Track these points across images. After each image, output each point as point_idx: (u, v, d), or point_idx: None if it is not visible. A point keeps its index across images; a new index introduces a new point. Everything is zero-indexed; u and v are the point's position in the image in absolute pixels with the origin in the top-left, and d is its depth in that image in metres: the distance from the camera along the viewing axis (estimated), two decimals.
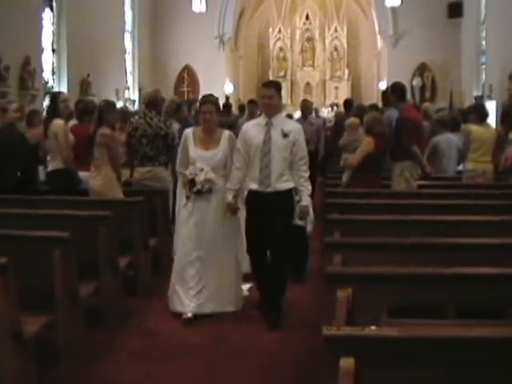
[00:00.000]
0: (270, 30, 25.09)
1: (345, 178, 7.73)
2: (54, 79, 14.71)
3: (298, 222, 6.25)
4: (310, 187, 5.91)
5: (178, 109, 8.79)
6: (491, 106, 15.22)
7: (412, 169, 7.46)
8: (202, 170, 5.91)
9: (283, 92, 24.61)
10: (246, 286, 6.50)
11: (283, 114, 6.31)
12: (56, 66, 14.74)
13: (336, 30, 24.78)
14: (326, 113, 20.86)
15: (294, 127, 5.94)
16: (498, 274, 3.54)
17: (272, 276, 5.95)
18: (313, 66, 25.23)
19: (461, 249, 4.37)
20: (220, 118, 6.68)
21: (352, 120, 9.19)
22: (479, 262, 4.06)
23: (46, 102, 13.66)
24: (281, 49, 25.23)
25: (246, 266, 6.29)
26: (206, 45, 20.74)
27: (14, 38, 11.88)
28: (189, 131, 6.24)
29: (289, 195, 5.88)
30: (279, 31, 25.10)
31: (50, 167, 7.34)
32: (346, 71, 24.75)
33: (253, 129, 5.94)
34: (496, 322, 3.40)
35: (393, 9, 19.76)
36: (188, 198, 6.03)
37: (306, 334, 5.42)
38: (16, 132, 7.22)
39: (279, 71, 25.22)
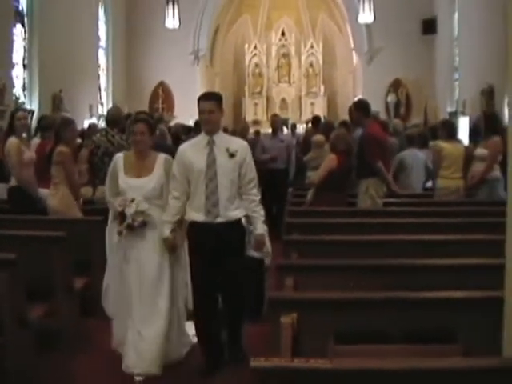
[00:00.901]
0: (246, 46, 25.04)
1: (309, 195, 7.68)
2: (25, 95, 14.54)
3: (253, 253, 5.84)
4: (263, 212, 5.26)
5: (123, 118, 8.72)
6: (464, 122, 15.32)
7: (377, 186, 7.43)
8: (132, 200, 5.06)
9: (259, 108, 25.21)
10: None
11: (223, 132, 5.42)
12: (27, 81, 14.58)
13: (312, 47, 24.76)
14: (302, 129, 20.84)
15: (240, 145, 5.23)
16: (446, 298, 3.47)
17: (226, 327, 5.34)
18: (289, 82, 25.20)
19: (418, 270, 4.31)
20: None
21: (318, 137, 9.19)
22: (437, 283, 4.01)
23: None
24: (256, 65, 25.18)
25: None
26: (181, 61, 20.68)
27: None
28: (119, 156, 5.42)
29: (240, 225, 5.24)
30: (255, 47, 25.04)
31: (10, 184, 7.26)
32: (322, 87, 24.73)
33: (192, 150, 5.18)
34: (445, 348, 3.33)
35: (367, 25, 19.83)
36: (120, 233, 5.17)
37: None
38: None
39: (255, 87, 25.17)
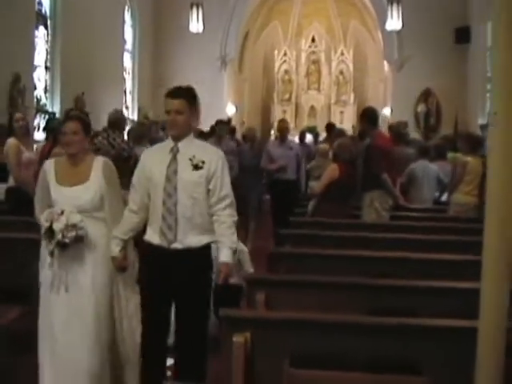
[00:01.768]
0: (276, 52, 24.88)
1: (310, 206, 7.49)
2: (46, 97, 14.57)
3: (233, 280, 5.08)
4: (234, 238, 4.30)
5: (148, 130, 8.67)
6: None
7: (382, 199, 7.18)
8: (61, 213, 4.24)
9: (288, 115, 24.90)
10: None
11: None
12: (49, 83, 14.61)
13: (342, 54, 24.51)
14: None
15: (211, 154, 4.32)
16: (413, 325, 3.24)
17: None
18: (318, 89, 24.96)
19: (397, 291, 4.08)
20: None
21: (322, 146, 9.02)
22: (416, 306, 3.80)
23: (38, 120, 13.65)
24: (286, 71, 24.99)
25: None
26: (208, 66, 20.57)
27: (4, 56, 11.75)
28: (49, 162, 4.65)
29: (204, 255, 4.31)
30: (285, 54, 24.87)
31: (8, 184, 7.29)
32: (352, 95, 24.45)
33: (154, 156, 4.41)
34: (409, 379, 3.09)
35: (398, 32, 19.48)
36: (51, 254, 4.32)
37: None
38: None
39: (284, 94, 24.99)
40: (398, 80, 20.82)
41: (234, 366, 3.11)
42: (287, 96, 25.02)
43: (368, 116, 7.44)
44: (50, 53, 14.53)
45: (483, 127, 17.41)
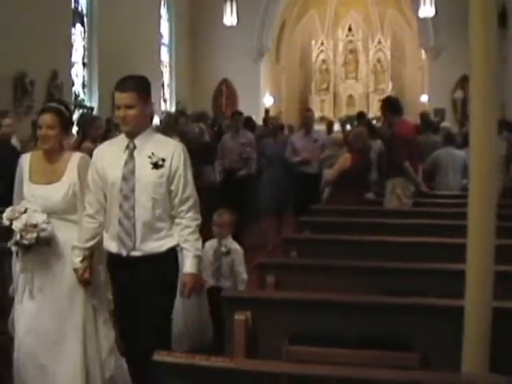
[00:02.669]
0: (313, 42, 24.98)
1: (325, 194, 7.65)
2: (84, 92, 14.95)
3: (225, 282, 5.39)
4: (198, 244, 3.97)
5: (176, 122, 8.90)
6: None
7: (404, 186, 7.29)
8: (24, 211, 3.92)
9: (326, 105, 25.01)
10: None
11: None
12: (87, 79, 14.99)
13: (380, 42, 24.50)
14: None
15: (172, 150, 3.89)
16: (406, 304, 3.39)
17: None
18: (356, 78, 24.98)
19: (403, 274, 4.22)
20: None
21: (336, 135, 9.14)
22: (426, 288, 3.92)
23: (76, 116, 14.02)
24: (323, 61, 25.06)
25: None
26: (244, 58, 20.73)
27: (41, 53, 12.10)
28: (25, 157, 4.28)
29: (168, 261, 3.94)
30: (322, 43, 24.95)
31: None
32: (390, 84, 24.40)
33: (109, 153, 3.98)
34: (401, 355, 3.25)
35: (433, 19, 19.38)
36: (17, 255, 4.12)
37: None
38: (8, 146, 7.35)
39: (322, 84, 25.06)
40: (435, 67, 20.71)
41: (236, 343, 3.31)
42: (325, 86, 25.08)
43: (390, 105, 7.54)
44: (88, 49, 14.91)
45: None
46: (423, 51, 22.44)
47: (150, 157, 3.82)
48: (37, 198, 4.06)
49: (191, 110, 16.21)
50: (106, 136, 9.11)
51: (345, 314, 3.36)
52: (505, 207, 6.40)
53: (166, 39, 19.86)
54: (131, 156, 3.85)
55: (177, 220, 3.91)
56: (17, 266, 4.17)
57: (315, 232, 5.82)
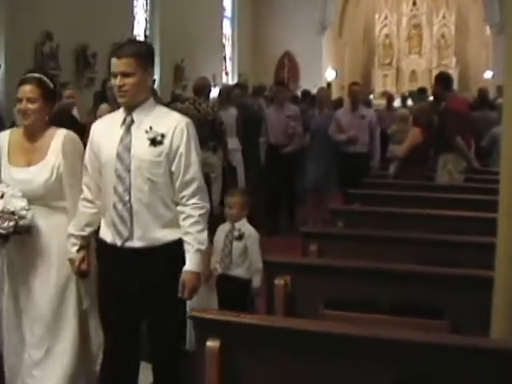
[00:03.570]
0: (377, 16, 24.73)
1: (392, 169, 7.66)
2: None
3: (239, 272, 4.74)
4: (202, 236, 3.36)
5: (233, 95, 9.05)
6: None
7: (456, 161, 7.28)
8: (1, 196, 3.49)
9: (388, 80, 24.77)
10: None
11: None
12: None
13: (444, 17, 24.08)
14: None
15: (173, 125, 3.36)
16: (437, 273, 3.48)
17: None
18: (419, 53, 24.64)
19: (443, 245, 4.29)
20: None
21: (402, 111, 9.10)
22: (461, 259, 3.98)
23: None
24: (387, 35, 24.81)
25: None
26: (307, 31, 20.66)
27: (103, 26, 12.36)
28: (4, 135, 3.81)
29: (172, 254, 3.37)
30: (385, 17, 24.68)
31: None
32: (454, 59, 24.00)
33: (104, 130, 3.48)
34: (432, 323, 3.35)
35: None
36: None
37: None
38: (67, 116, 7.60)
39: (385, 58, 24.83)
40: (499, 43, 20.25)
41: (276, 306, 3.47)
42: (388, 60, 24.84)
43: (442, 80, 7.52)
44: (149, 22, 15.14)
45: None
46: (488, 27, 21.97)
47: (147, 132, 3.31)
48: (17, 182, 3.60)
49: (252, 84, 16.35)
50: None
51: (379, 282, 3.47)
52: None
53: (228, 12, 19.97)
54: (128, 131, 3.35)
55: (179, 207, 3.36)
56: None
57: (364, 205, 5.91)
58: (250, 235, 4.78)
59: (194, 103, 7.94)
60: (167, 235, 3.36)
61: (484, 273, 3.28)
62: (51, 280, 3.63)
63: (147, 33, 15.10)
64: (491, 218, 5.25)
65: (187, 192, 3.34)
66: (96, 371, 3.80)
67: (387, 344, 2.37)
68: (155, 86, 14.30)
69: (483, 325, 3.10)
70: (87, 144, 3.56)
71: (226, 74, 19.98)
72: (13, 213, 3.45)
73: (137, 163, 3.30)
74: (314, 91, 12.91)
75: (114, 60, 3.31)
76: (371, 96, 21.24)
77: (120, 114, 3.44)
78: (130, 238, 3.32)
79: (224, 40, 19.69)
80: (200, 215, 3.35)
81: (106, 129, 3.46)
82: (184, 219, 3.34)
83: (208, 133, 7.78)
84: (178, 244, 3.36)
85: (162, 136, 3.32)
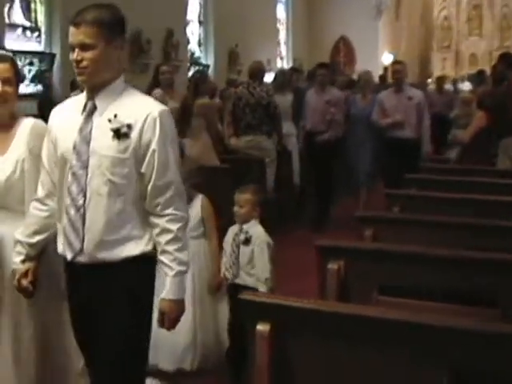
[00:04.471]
0: None
1: (455, 154, 7.47)
2: (201, 50, 15.23)
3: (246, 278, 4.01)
4: (182, 255, 2.68)
5: (289, 79, 8.96)
6: None
7: None
8: None
9: (447, 63, 24.27)
10: None
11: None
12: (203, 37, 15.25)
13: None
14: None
15: (144, 113, 2.63)
16: (491, 259, 3.33)
17: None
18: (479, 35, 24.07)
19: (501, 231, 4.12)
20: None
21: (466, 94, 8.85)
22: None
23: (191, 73, 14.35)
24: (445, 17, 24.36)
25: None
26: (363, 15, 20.40)
27: (157, 12, 12.43)
28: None
29: (130, 273, 2.67)
30: None
31: None
32: None
33: (65, 117, 2.78)
34: (484, 311, 3.22)
35: None
36: None
37: None
38: None
39: (443, 41, 24.40)
40: None
41: (328, 290, 3.38)
42: (446, 43, 24.39)
43: (506, 59, 7.26)
44: (203, 7, 15.13)
45: None
46: None
47: (110, 121, 2.62)
48: None
49: (307, 68, 16.23)
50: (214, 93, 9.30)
51: (432, 268, 3.34)
52: None
53: None
54: (88, 120, 2.67)
55: (152, 218, 2.69)
56: None
57: (421, 190, 5.75)
58: (259, 238, 4.03)
59: (249, 87, 7.92)
60: (122, 251, 2.66)
61: None
62: (6, 298, 3.01)
63: (201, 18, 15.10)
64: None
65: (161, 199, 2.66)
66: None
67: (442, 332, 2.27)
68: (209, 71, 14.58)
69: None
70: (31, 137, 3.08)
71: (281, 58, 19.89)
72: None
73: (96, 160, 2.62)
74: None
75: (71, 29, 2.63)
76: (429, 80, 20.94)
77: (82, 97, 2.75)
78: (81, 251, 2.65)
79: (278, 24, 19.58)
80: (178, 229, 2.68)
81: (66, 116, 2.77)
82: (159, 234, 2.68)
83: (262, 117, 7.78)
84: (144, 259, 2.70)
85: (129, 127, 2.60)
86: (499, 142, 7.16)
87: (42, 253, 2.89)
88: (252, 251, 4.02)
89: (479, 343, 2.23)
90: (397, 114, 7.95)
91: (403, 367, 2.29)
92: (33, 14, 10.38)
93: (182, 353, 4.14)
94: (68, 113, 2.77)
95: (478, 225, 4.13)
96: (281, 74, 9.20)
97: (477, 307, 3.18)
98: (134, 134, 2.61)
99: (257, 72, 8.05)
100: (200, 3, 15.04)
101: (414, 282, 3.33)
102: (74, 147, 2.65)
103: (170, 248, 2.66)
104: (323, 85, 8.43)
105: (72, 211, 2.65)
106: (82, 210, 2.63)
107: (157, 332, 3.03)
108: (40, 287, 2.88)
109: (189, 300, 3.76)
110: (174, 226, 2.66)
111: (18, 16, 10.17)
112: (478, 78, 11.55)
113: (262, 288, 3.89)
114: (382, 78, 15.51)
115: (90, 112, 2.67)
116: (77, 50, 2.61)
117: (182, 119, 7.36)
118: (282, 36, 20.03)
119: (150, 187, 2.65)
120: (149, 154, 2.62)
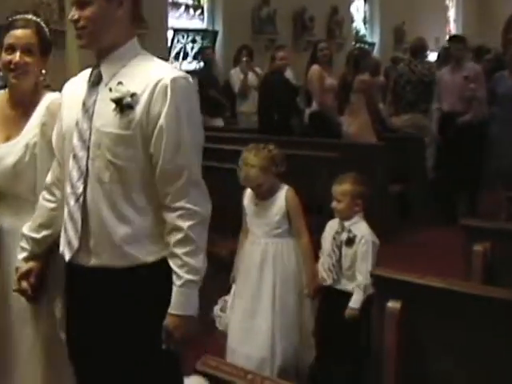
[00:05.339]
0: None
1: None
2: (366, 28, 15.03)
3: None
4: (194, 260, 2.15)
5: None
6: None
7: None
8: None
9: None
10: None
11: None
12: (368, 14, 15.03)
13: None
14: None
15: (153, 80, 2.15)
16: None
17: None
18: None
19: None
20: None
21: None
22: None
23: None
24: None
25: None
26: None
27: None
28: None
29: (148, 278, 2.22)
30: None
31: (312, 109, 7.80)
32: None
33: (73, 90, 2.36)
34: None
35: None
36: None
37: None
38: (280, 78, 7.68)
39: None
40: None
41: (473, 273, 3.24)
42: None
43: None
44: None
45: None
46: None
47: (111, 89, 2.16)
48: None
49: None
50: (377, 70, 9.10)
51: None
52: None
53: None
54: (92, 91, 2.25)
55: (163, 213, 2.20)
56: None
57: None
58: (363, 238, 3.49)
59: (410, 64, 7.82)
60: (137, 253, 2.20)
61: None
62: (10, 301, 2.62)
63: None
64: None
65: (171, 188, 2.16)
66: None
67: None
68: (375, 50, 14.35)
69: None
70: (47, 117, 2.65)
71: None
72: None
73: (96, 137, 2.18)
74: None
75: None
76: None
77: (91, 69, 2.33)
78: (80, 250, 2.22)
79: (447, 1, 18.88)
80: (191, 227, 2.15)
81: (75, 88, 2.35)
82: (168, 233, 2.18)
83: (420, 94, 7.59)
84: (156, 264, 2.23)
85: (133, 97, 2.13)
86: None
87: (50, 252, 2.46)
88: (355, 253, 3.51)
89: None
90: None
91: None
92: None
93: (256, 368, 3.42)
94: (77, 85, 2.34)
95: None
96: (444, 49, 8.93)
97: None
98: (140, 106, 2.13)
99: (419, 49, 7.92)
100: None
101: None
102: (77, 124, 2.23)
103: (179, 251, 2.16)
104: (459, 60, 7.50)
105: (72, 201, 2.21)
106: (81, 200, 2.19)
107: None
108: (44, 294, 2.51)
109: (267, 308, 3.50)
110: (185, 224, 2.14)
111: None
112: None
113: (358, 294, 3.41)
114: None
115: (94, 82, 2.25)
116: (74, 7, 2.19)
117: (341, 96, 7.35)
118: (452, 13, 19.30)
119: (157, 172, 2.16)
120: (157, 131, 2.13)
